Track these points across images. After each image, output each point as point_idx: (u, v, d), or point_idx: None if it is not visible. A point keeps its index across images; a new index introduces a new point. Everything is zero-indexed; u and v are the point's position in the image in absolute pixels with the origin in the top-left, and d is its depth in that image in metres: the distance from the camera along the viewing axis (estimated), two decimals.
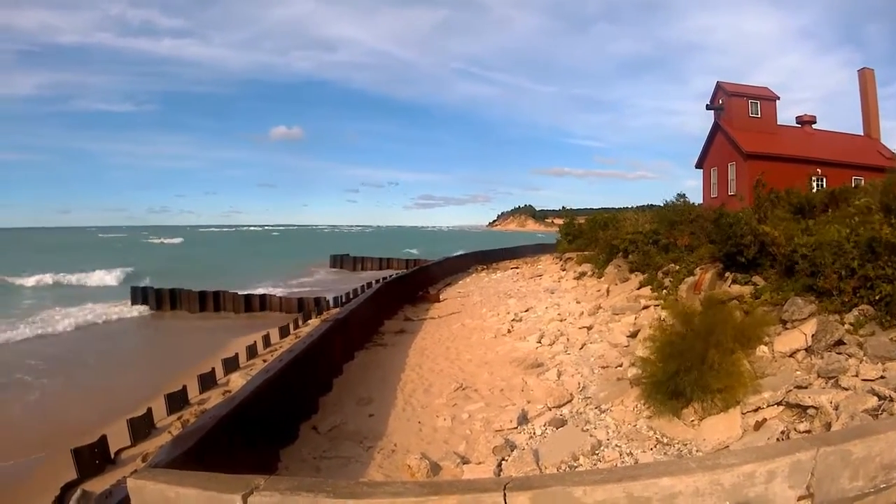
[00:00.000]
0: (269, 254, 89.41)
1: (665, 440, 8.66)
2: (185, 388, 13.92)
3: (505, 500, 3.88)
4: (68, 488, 9.28)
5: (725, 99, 32.68)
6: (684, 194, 24.48)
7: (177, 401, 13.39)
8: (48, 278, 46.65)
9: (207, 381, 15.02)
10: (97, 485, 9.27)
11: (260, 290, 34.88)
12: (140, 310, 32.27)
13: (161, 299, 33.21)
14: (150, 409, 12.28)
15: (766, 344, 9.97)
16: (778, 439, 7.38)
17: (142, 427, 11.73)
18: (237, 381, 14.14)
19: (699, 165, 35.84)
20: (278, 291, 34.88)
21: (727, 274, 13.34)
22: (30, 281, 45.74)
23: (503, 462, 8.77)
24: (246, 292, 32.97)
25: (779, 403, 8.22)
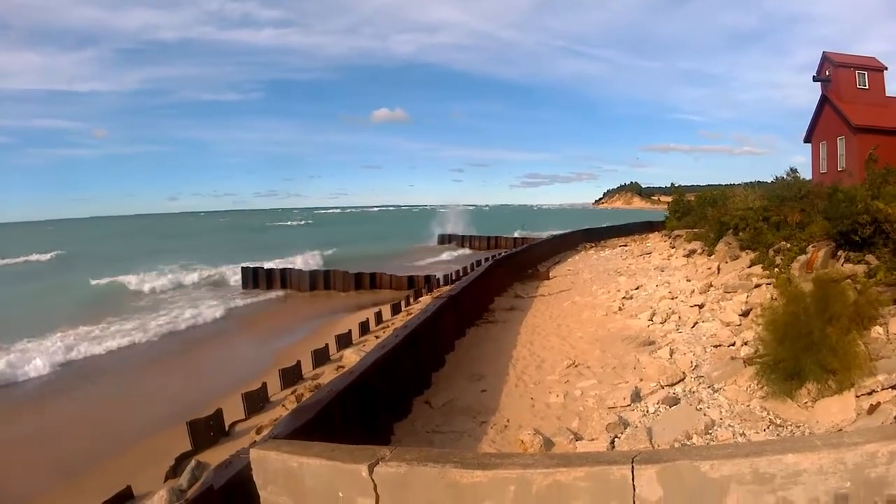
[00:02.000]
0: (378, 233, 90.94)
1: (778, 421, 8.39)
2: (298, 363, 14.33)
3: (633, 472, 3.86)
4: (182, 459, 9.71)
5: (832, 70, 31.16)
6: (795, 169, 23.70)
7: (291, 375, 13.79)
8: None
9: (321, 357, 15.38)
10: (211, 456, 9.67)
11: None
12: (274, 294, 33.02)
13: (271, 280, 34.19)
14: (264, 384, 12.72)
15: (881, 325, 9.55)
16: (891, 424, 7.07)
17: (256, 401, 12.15)
18: (350, 356, 14.42)
19: (807, 140, 34.28)
20: (388, 269, 35.20)
21: (839, 252, 12.85)
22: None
23: (616, 439, 8.70)
24: (356, 271, 33.47)
25: (893, 387, 7.85)
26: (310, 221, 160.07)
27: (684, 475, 3.83)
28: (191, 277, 39.47)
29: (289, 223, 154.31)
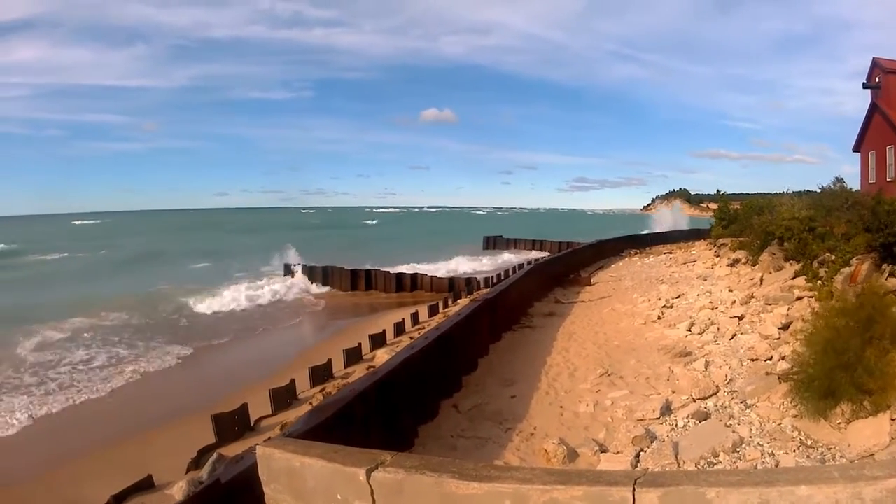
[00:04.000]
0: (436, 232, 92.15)
1: (809, 442, 8.09)
2: (329, 361, 14.33)
3: (634, 495, 3.71)
4: (205, 451, 9.76)
5: (882, 76, 30.09)
6: (842, 179, 23.24)
7: (320, 373, 13.82)
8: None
9: (352, 356, 15.39)
10: (234, 450, 9.74)
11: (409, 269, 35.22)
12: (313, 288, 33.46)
13: (313, 277, 34.47)
14: (293, 381, 12.76)
15: None
16: None
17: (283, 397, 12.20)
18: (382, 356, 14.41)
19: (856, 149, 33.21)
20: (430, 270, 35.18)
21: (884, 266, 12.47)
22: None
23: (641, 453, 8.50)
24: (397, 271, 33.52)
25: None
26: (377, 221, 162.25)
27: (688, 502, 3.68)
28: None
29: (368, 222, 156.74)
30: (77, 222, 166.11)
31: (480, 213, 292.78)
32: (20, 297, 32.55)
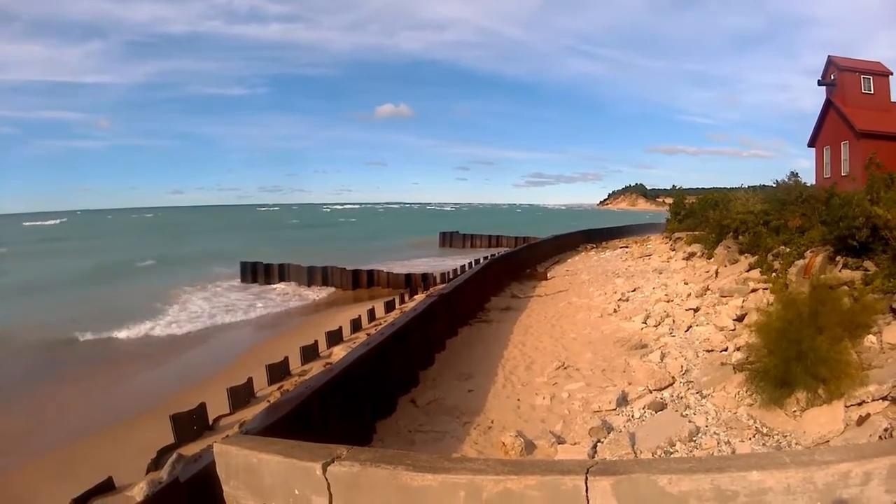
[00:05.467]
0: (383, 230, 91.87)
1: (765, 430, 8.27)
2: (286, 358, 14.22)
3: (587, 483, 3.77)
4: (164, 452, 9.68)
5: (837, 74, 30.70)
6: (796, 173, 23.58)
7: (278, 371, 13.73)
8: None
9: (309, 353, 15.30)
10: (193, 449, 9.65)
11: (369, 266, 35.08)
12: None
13: (270, 274, 34.46)
14: (250, 379, 12.66)
15: (874, 334, 9.34)
16: (881, 437, 6.90)
17: (241, 395, 12.11)
18: (339, 353, 14.36)
19: (811, 144, 33.85)
20: (386, 267, 35.11)
21: (837, 258, 12.72)
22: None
23: (598, 444, 8.61)
24: (353, 267, 33.45)
25: (884, 398, 7.65)
26: (352, 220, 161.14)
27: (641, 489, 3.75)
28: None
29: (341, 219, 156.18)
30: (28, 223, 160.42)
31: (448, 209, 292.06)
32: None
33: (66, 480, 9.35)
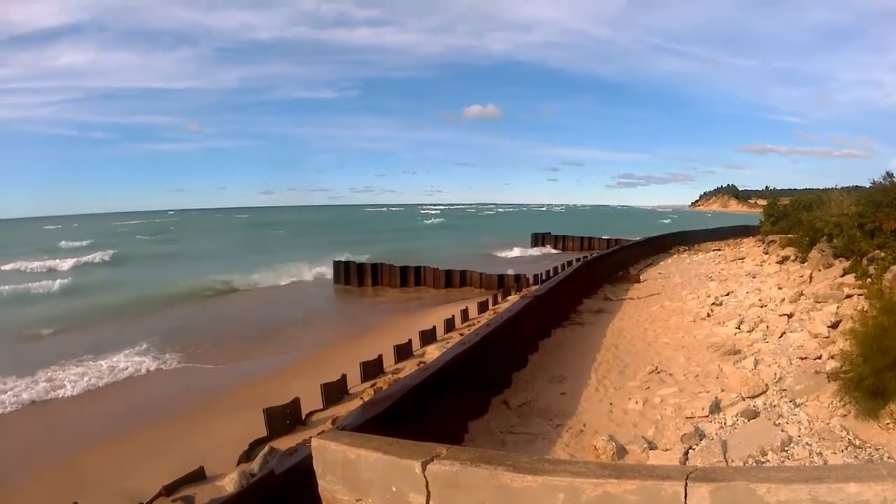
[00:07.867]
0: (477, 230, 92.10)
1: (857, 442, 8.00)
2: (380, 357, 14.46)
3: (686, 490, 3.74)
4: (257, 444, 9.95)
5: None
6: (892, 174, 22.59)
7: (371, 369, 13.95)
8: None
9: (403, 352, 15.48)
10: (285, 443, 9.90)
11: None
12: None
13: (363, 274, 34.69)
14: (344, 376, 12.89)
15: None
16: None
17: (334, 392, 12.36)
18: (433, 352, 14.52)
19: None
20: (479, 267, 35.13)
21: None
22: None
23: (690, 451, 8.51)
24: (446, 268, 33.59)
25: None
26: (443, 220, 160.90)
27: (739, 497, 3.70)
28: None
29: (427, 222, 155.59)
30: (117, 223, 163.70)
31: (543, 209, 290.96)
32: None
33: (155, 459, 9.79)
